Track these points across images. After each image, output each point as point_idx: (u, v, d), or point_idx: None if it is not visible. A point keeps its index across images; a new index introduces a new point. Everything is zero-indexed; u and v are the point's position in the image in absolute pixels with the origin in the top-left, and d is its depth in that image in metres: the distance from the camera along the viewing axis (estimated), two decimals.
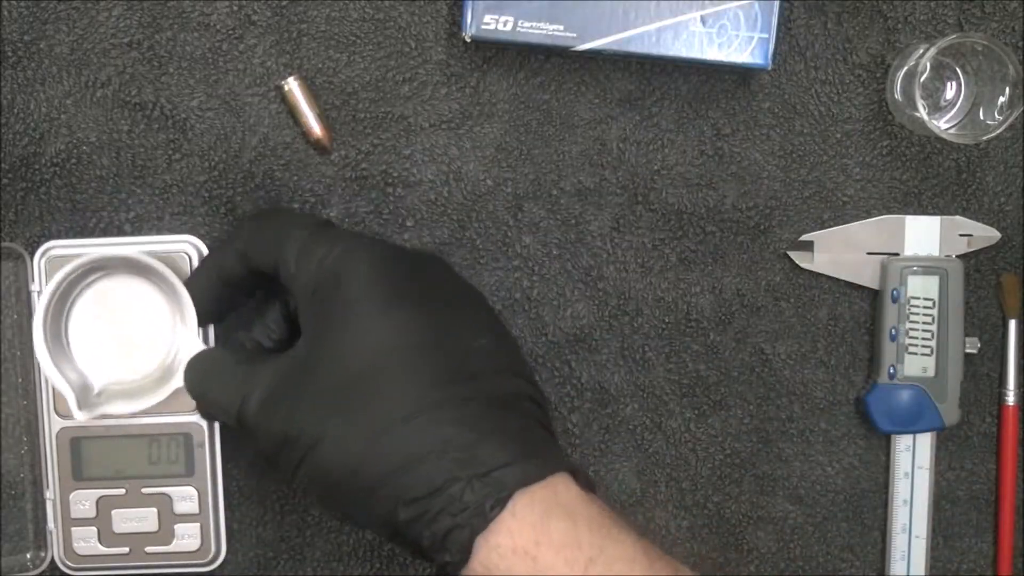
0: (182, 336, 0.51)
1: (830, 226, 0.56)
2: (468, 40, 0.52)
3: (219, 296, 0.51)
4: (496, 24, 0.51)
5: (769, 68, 0.52)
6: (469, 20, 0.52)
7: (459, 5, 0.54)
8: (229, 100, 0.54)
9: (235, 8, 0.54)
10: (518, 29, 0.52)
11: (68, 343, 0.52)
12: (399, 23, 0.54)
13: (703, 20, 0.52)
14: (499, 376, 0.46)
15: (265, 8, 0.54)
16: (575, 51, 0.52)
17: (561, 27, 0.51)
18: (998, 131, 0.52)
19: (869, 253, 0.56)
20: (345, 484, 0.44)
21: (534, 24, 0.52)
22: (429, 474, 0.43)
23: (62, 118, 0.54)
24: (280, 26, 0.54)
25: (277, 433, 0.45)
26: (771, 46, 0.52)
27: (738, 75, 0.55)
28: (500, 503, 0.43)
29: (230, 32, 0.54)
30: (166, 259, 0.52)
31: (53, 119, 0.54)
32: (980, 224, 0.56)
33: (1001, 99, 0.53)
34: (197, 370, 0.50)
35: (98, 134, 0.54)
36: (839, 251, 0.56)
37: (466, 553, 0.43)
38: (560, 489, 0.44)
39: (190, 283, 0.51)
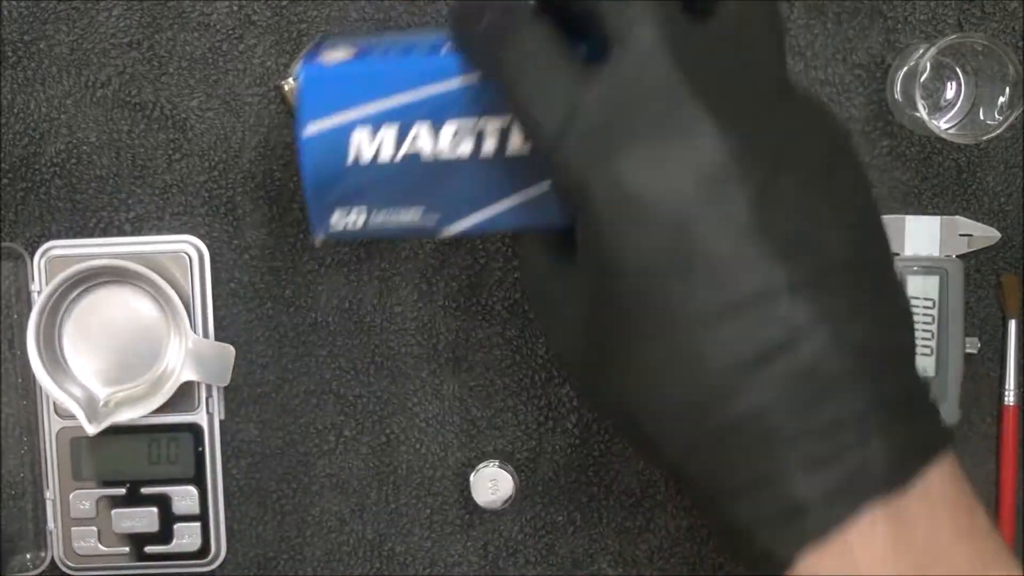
0: (176, 338, 0.52)
1: None
2: (319, 245, 0.49)
3: None
4: (346, 223, 0.42)
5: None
6: (315, 223, 0.42)
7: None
8: (229, 100, 0.54)
9: (235, 8, 0.54)
10: (372, 221, 0.42)
11: (64, 358, 0.52)
12: (399, 23, 0.54)
13: None
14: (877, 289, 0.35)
15: (265, 8, 0.54)
16: (440, 237, 0.48)
17: (421, 210, 0.42)
18: (998, 131, 0.52)
19: None
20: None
21: (390, 212, 0.42)
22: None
23: (62, 118, 0.54)
24: (280, 26, 0.54)
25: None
26: None
27: None
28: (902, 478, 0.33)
29: (230, 32, 0.54)
30: (166, 259, 0.52)
31: (53, 119, 0.54)
32: (980, 224, 0.56)
33: (1001, 99, 0.53)
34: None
35: (98, 134, 0.54)
36: None
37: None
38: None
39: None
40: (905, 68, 0.54)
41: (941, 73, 0.55)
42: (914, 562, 0.34)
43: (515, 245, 0.40)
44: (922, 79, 0.52)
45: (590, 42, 0.37)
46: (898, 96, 0.54)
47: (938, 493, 0.34)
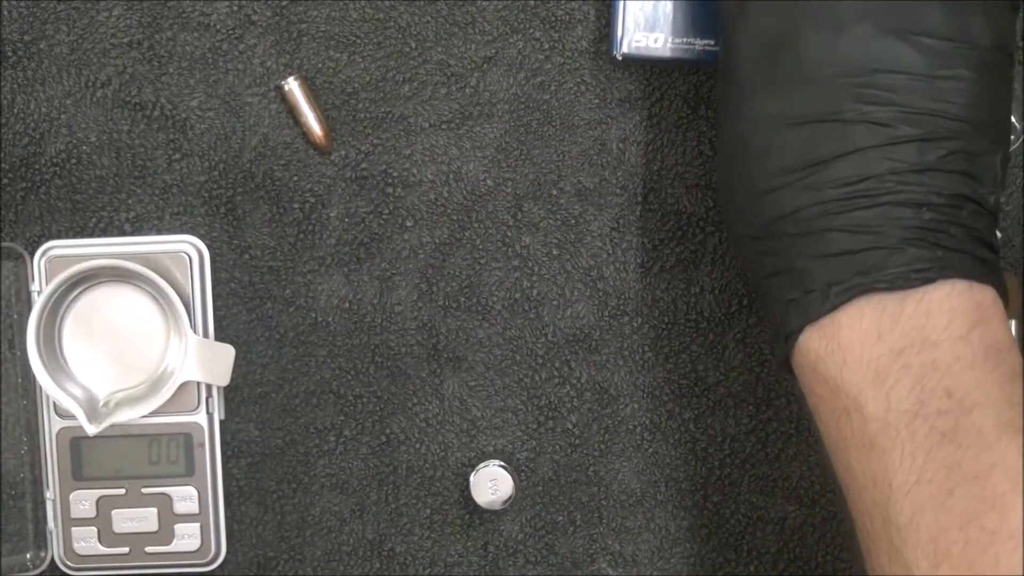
0: (176, 338, 0.52)
1: None
2: (619, 58, 0.52)
3: None
4: (647, 41, 0.52)
5: None
6: (619, 37, 0.52)
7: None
8: (229, 100, 0.54)
9: (235, 8, 0.54)
10: (669, 45, 0.52)
11: (64, 358, 0.52)
12: (399, 23, 0.54)
13: None
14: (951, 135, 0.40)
15: (265, 8, 0.54)
16: None
17: (712, 42, 0.52)
18: (1011, 149, 0.52)
19: None
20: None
21: (685, 40, 0.52)
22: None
23: (62, 118, 0.54)
24: (280, 26, 0.54)
25: None
26: None
27: None
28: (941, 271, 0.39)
29: (230, 32, 0.54)
30: (166, 259, 0.52)
31: (53, 119, 0.54)
32: None
33: (1012, 119, 0.52)
34: None
35: (98, 134, 0.54)
36: None
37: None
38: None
39: None
40: None
41: None
42: (892, 352, 0.39)
43: None
44: None
45: None
46: None
47: (940, 306, 0.39)
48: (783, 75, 0.41)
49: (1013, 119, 0.53)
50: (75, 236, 0.54)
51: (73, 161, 0.54)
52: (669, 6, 0.52)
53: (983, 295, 0.40)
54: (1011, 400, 0.39)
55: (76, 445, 0.53)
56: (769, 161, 0.41)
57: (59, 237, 0.54)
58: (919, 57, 0.40)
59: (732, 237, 0.43)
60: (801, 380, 0.42)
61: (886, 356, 0.39)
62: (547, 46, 0.55)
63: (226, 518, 0.55)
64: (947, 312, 0.39)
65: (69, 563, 0.54)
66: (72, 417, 0.51)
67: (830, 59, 0.40)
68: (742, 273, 0.47)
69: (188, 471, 0.53)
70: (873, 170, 0.39)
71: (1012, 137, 0.52)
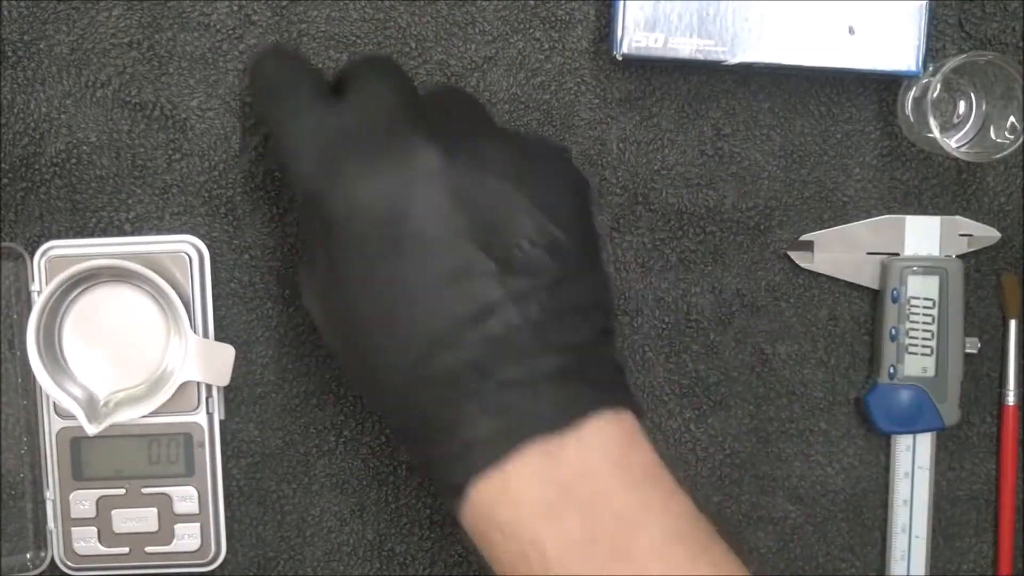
0: (176, 338, 0.52)
1: (830, 226, 0.56)
2: (619, 58, 0.53)
3: None
4: (647, 41, 0.52)
5: (920, 75, 0.53)
6: (620, 38, 0.52)
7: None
8: (229, 100, 0.54)
9: (235, 8, 0.54)
10: (669, 45, 0.52)
11: (64, 358, 0.52)
12: (399, 23, 0.54)
13: (851, 29, 0.52)
14: (548, 277, 0.42)
15: (265, 8, 0.54)
16: (727, 65, 0.53)
17: (712, 42, 0.52)
18: (1010, 150, 0.52)
19: (869, 253, 0.56)
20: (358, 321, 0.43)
21: (685, 40, 0.52)
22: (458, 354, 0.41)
23: (62, 118, 0.54)
24: (280, 26, 0.54)
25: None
26: (921, 51, 0.53)
27: (738, 75, 0.55)
28: (570, 420, 0.40)
29: (230, 32, 0.54)
30: (166, 259, 0.52)
31: (53, 119, 0.54)
32: (980, 224, 0.56)
33: (1012, 119, 0.53)
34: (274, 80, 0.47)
35: (98, 134, 0.54)
36: (839, 251, 0.56)
37: (476, 476, 0.41)
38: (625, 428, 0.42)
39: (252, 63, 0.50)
40: (915, 88, 0.54)
41: (951, 91, 0.55)
42: (560, 487, 0.40)
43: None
44: (934, 95, 0.52)
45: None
46: (908, 114, 0.54)
47: (595, 438, 0.41)
48: (415, 237, 0.42)
49: (1012, 119, 0.53)
50: (75, 236, 0.54)
51: (73, 161, 0.54)
52: (669, 6, 0.52)
53: (628, 419, 0.43)
54: (676, 512, 0.42)
55: (76, 445, 0.53)
56: (418, 328, 0.41)
57: (59, 237, 0.54)
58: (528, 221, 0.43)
59: (377, 391, 0.44)
60: (473, 530, 0.43)
61: (555, 493, 0.41)
62: (547, 46, 0.55)
63: (226, 518, 0.55)
64: (602, 443, 0.42)
65: (69, 563, 0.54)
66: (72, 417, 0.51)
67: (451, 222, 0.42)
68: (390, 431, 0.48)
69: (188, 471, 0.53)
70: (513, 322, 0.41)
71: (1012, 137, 0.52)
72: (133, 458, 0.53)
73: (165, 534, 0.54)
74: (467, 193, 0.42)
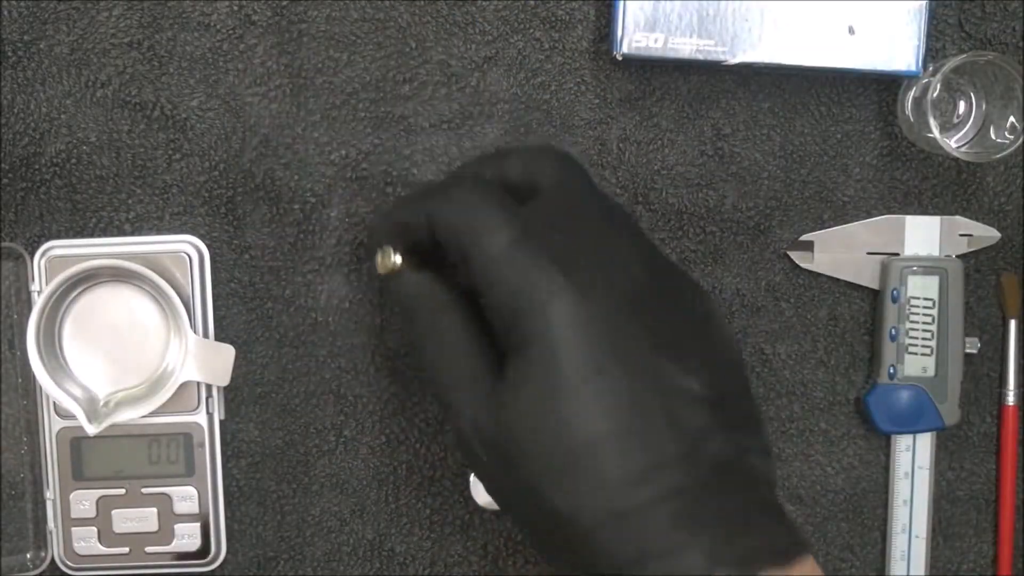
0: (176, 338, 0.52)
1: (830, 226, 0.56)
2: (619, 58, 0.53)
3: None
4: (647, 41, 0.52)
5: (920, 75, 0.53)
6: (620, 38, 0.52)
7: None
8: (229, 100, 0.54)
9: (235, 8, 0.54)
10: (669, 45, 0.52)
11: (64, 357, 0.52)
12: (399, 23, 0.54)
13: (851, 29, 0.52)
14: (716, 434, 0.40)
15: (265, 8, 0.54)
16: (727, 65, 0.53)
17: (712, 42, 0.52)
18: (1010, 150, 0.52)
19: (869, 253, 0.56)
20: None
21: (685, 40, 0.52)
22: None
23: (62, 118, 0.54)
24: (280, 26, 0.54)
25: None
26: (921, 51, 0.53)
27: (738, 75, 0.55)
28: None
29: (230, 32, 0.54)
30: (166, 259, 0.52)
31: (53, 119, 0.54)
32: (980, 224, 0.56)
33: (1012, 119, 0.53)
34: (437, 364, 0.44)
35: (98, 134, 0.54)
36: (839, 251, 0.56)
37: None
38: None
39: (373, 225, 0.48)
40: (915, 88, 0.54)
41: (951, 91, 0.55)
42: None
43: (433, 346, 0.44)
44: (934, 95, 0.52)
45: None
46: (909, 114, 0.54)
47: (811, 572, 0.40)
48: (633, 357, 0.40)
49: (1012, 119, 0.53)
50: (75, 236, 0.54)
51: (73, 161, 0.54)
52: (669, 6, 0.52)
53: (813, 564, 0.41)
54: None
55: (76, 445, 0.53)
56: (641, 448, 0.40)
57: (59, 237, 0.54)
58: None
59: (574, 538, 0.40)
60: None
61: None
62: (547, 46, 0.55)
63: (226, 518, 0.55)
64: None
65: (69, 563, 0.54)
66: (72, 417, 0.51)
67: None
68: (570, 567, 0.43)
69: (188, 471, 0.53)
70: (730, 451, 0.40)
71: (1012, 137, 0.52)
72: (133, 458, 0.53)
73: (165, 534, 0.54)
74: (674, 312, 0.42)
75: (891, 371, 0.56)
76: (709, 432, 0.40)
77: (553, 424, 0.40)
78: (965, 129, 0.56)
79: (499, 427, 0.41)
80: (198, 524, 0.54)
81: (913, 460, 0.57)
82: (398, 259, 0.46)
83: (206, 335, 0.53)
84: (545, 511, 0.40)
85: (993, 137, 0.54)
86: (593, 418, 0.40)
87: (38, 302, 0.51)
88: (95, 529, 0.54)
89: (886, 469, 0.58)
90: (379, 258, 0.46)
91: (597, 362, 0.40)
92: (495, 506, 0.54)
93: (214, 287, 0.54)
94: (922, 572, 0.57)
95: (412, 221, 0.45)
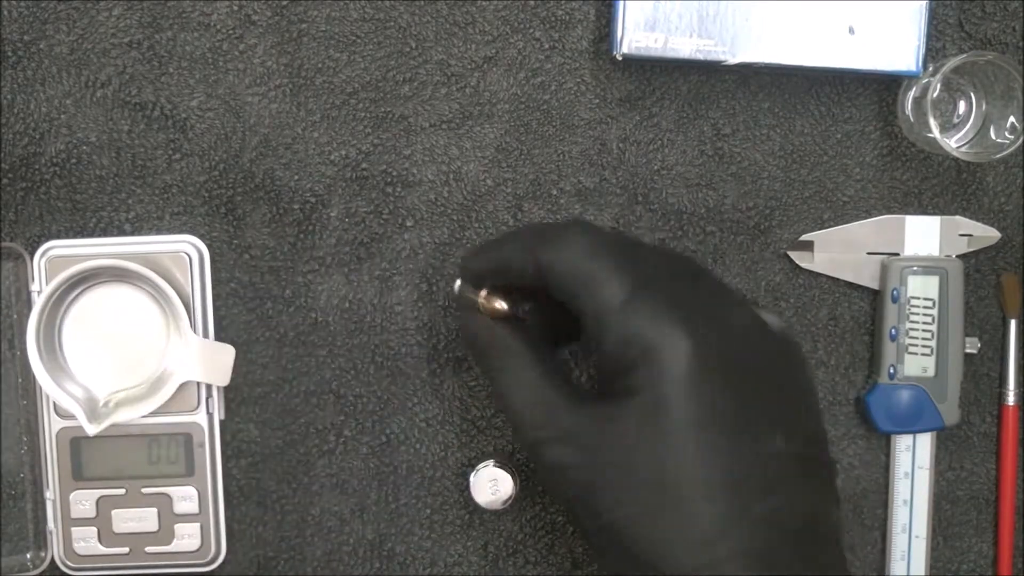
0: (176, 338, 0.52)
1: (830, 226, 0.56)
2: (619, 58, 0.53)
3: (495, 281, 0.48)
4: (647, 41, 0.52)
5: (920, 75, 0.53)
6: (620, 38, 0.52)
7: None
8: (229, 100, 0.54)
9: (235, 8, 0.54)
10: (669, 45, 0.52)
11: (64, 357, 0.52)
12: (399, 23, 0.54)
13: (851, 29, 0.52)
14: (798, 494, 0.43)
15: (265, 8, 0.54)
16: (727, 65, 0.53)
17: (712, 42, 0.52)
18: (1010, 150, 0.52)
19: (869, 253, 0.56)
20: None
21: (685, 40, 0.52)
22: None
23: (62, 118, 0.54)
24: (280, 26, 0.54)
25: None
26: (921, 51, 0.53)
27: (738, 75, 0.55)
28: None
29: (230, 32, 0.54)
30: (166, 259, 0.52)
31: (53, 119, 0.54)
32: (980, 224, 0.56)
33: (1012, 119, 0.53)
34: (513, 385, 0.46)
35: (98, 134, 0.54)
36: (839, 251, 0.56)
37: None
38: None
39: (471, 258, 0.49)
40: (915, 88, 0.54)
41: (951, 91, 0.55)
42: None
43: (506, 377, 0.47)
44: (934, 95, 0.52)
45: None
46: (909, 114, 0.54)
47: None
48: (737, 412, 0.42)
49: (1012, 119, 0.53)
50: (75, 236, 0.54)
51: (73, 161, 0.54)
52: (669, 6, 0.52)
53: None
54: None
55: (76, 445, 0.53)
56: (733, 500, 0.41)
57: (59, 237, 0.54)
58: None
59: (665, 562, 0.42)
60: None
61: None
62: (547, 46, 0.55)
63: (226, 518, 0.55)
64: None
65: (69, 563, 0.54)
66: (72, 417, 0.51)
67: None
68: None
69: (188, 471, 0.53)
70: (815, 509, 0.43)
71: (1012, 137, 0.53)
72: (133, 458, 0.53)
73: (165, 534, 0.54)
74: (778, 370, 0.44)
75: (891, 371, 0.56)
76: (794, 492, 0.42)
77: (651, 469, 0.42)
78: (965, 129, 0.56)
79: (594, 465, 0.43)
80: (198, 524, 0.54)
81: (913, 460, 0.57)
82: (504, 305, 0.48)
83: (206, 335, 0.53)
84: (629, 553, 0.42)
85: (993, 137, 0.54)
86: (689, 469, 0.41)
87: (38, 302, 0.51)
88: (95, 529, 0.54)
89: (886, 469, 0.58)
90: (482, 298, 0.48)
91: (702, 415, 0.41)
92: (495, 506, 0.54)
93: (214, 287, 0.54)
94: (922, 572, 0.57)
95: (518, 262, 0.46)
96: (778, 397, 0.44)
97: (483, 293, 0.48)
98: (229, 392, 0.55)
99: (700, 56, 0.52)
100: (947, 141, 0.53)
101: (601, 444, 0.43)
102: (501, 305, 0.48)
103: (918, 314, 0.56)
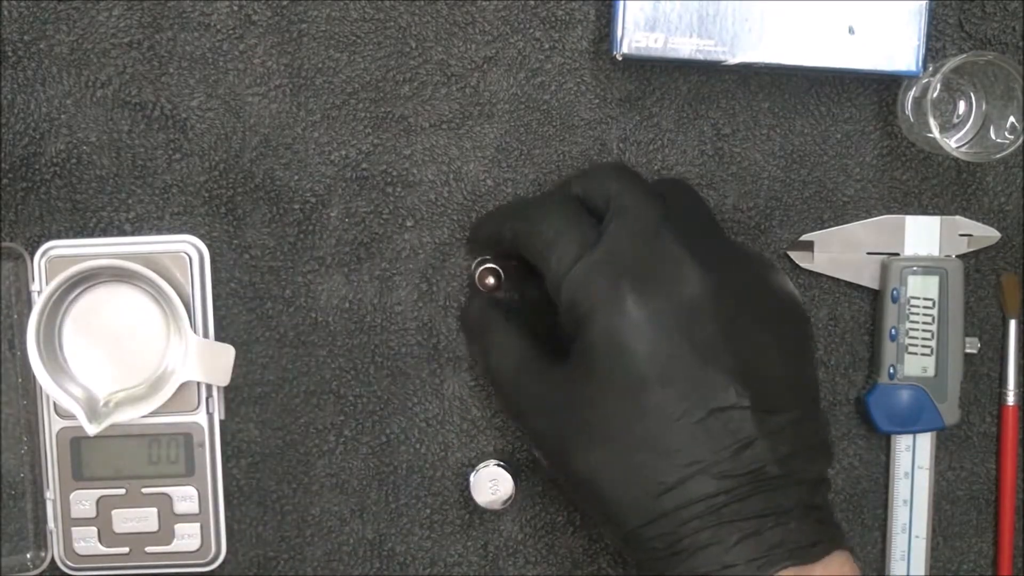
0: (176, 338, 0.52)
1: (830, 226, 0.56)
2: (619, 58, 0.53)
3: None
4: (647, 41, 0.52)
5: (920, 75, 0.53)
6: (620, 38, 0.52)
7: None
8: (229, 100, 0.54)
9: (235, 8, 0.54)
10: (669, 45, 0.52)
11: (64, 357, 0.52)
12: (399, 23, 0.54)
13: (851, 29, 0.52)
14: (758, 442, 0.45)
15: (265, 8, 0.54)
16: (727, 65, 0.53)
17: (712, 42, 0.52)
18: (1010, 150, 0.52)
19: (869, 253, 0.56)
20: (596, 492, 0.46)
21: (685, 40, 0.52)
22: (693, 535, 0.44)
23: (62, 118, 0.54)
24: (280, 26, 0.54)
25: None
26: (921, 51, 0.53)
27: (738, 75, 0.55)
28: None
29: (230, 32, 0.54)
30: (166, 259, 0.52)
31: (53, 119, 0.54)
32: (980, 224, 0.56)
33: (1012, 119, 0.53)
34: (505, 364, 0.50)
35: (98, 134, 0.54)
36: (839, 251, 0.56)
37: None
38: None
39: (470, 236, 0.54)
40: (915, 88, 0.54)
41: (951, 91, 0.55)
42: None
43: (496, 355, 0.51)
44: (933, 95, 0.52)
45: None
46: (909, 114, 0.54)
47: (837, 570, 0.45)
48: (679, 370, 0.44)
49: (1012, 119, 0.53)
50: (75, 236, 0.54)
51: (73, 161, 0.54)
52: (669, 6, 0.52)
53: (851, 560, 0.46)
54: None
55: (76, 445, 0.53)
56: (679, 456, 0.44)
57: (59, 237, 0.54)
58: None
59: (619, 528, 0.46)
60: None
61: None
62: (547, 46, 0.55)
63: (226, 518, 0.55)
64: None
65: (69, 563, 0.54)
66: (72, 417, 0.51)
67: (715, 354, 0.45)
68: (631, 562, 0.49)
69: (188, 471, 0.53)
70: (766, 456, 0.44)
71: (1012, 137, 0.52)
72: (133, 458, 0.53)
73: (165, 534, 0.54)
74: (731, 325, 0.45)
75: (891, 371, 0.56)
76: (752, 440, 0.44)
77: (602, 427, 0.45)
78: (965, 129, 0.56)
79: (559, 426, 0.47)
80: (198, 524, 0.54)
81: (913, 460, 0.57)
82: (492, 280, 0.54)
83: (206, 335, 0.53)
84: (597, 507, 0.46)
85: (993, 137, 0.54)
86: (638, 427, 0.44)
87: (38, 302, 0.51)
88: (95, 529, 0.53)
89: (886, 469, 0.58)
90: (475, 270, 0.54)
91: (647, 374, 0.44)
92: (495, 506, 0.54)
93: (214, 287, 0.54)
94: (922, 572, 0.57)
95: (499, 234, 0.51)
96: (746, 357, 0.45)
97: (475, 265, 0.53)
98: (229, 392, 0.55)
99: (700, 56, 0.52)
100: (947, 141, 0.53)
101: (561, 405, 0.47)
102: (490, 280, 0.53)
103: (918, 314, 0.56)
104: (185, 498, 0.54)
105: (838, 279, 0.57)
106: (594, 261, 0.46)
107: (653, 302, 0.45)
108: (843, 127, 0.56)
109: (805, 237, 0.56)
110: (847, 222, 0.56)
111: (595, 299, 0.45)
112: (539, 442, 0.48)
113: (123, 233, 0.54)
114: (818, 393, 0.49)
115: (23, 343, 0.52)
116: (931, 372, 0.56)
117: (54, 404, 0.53)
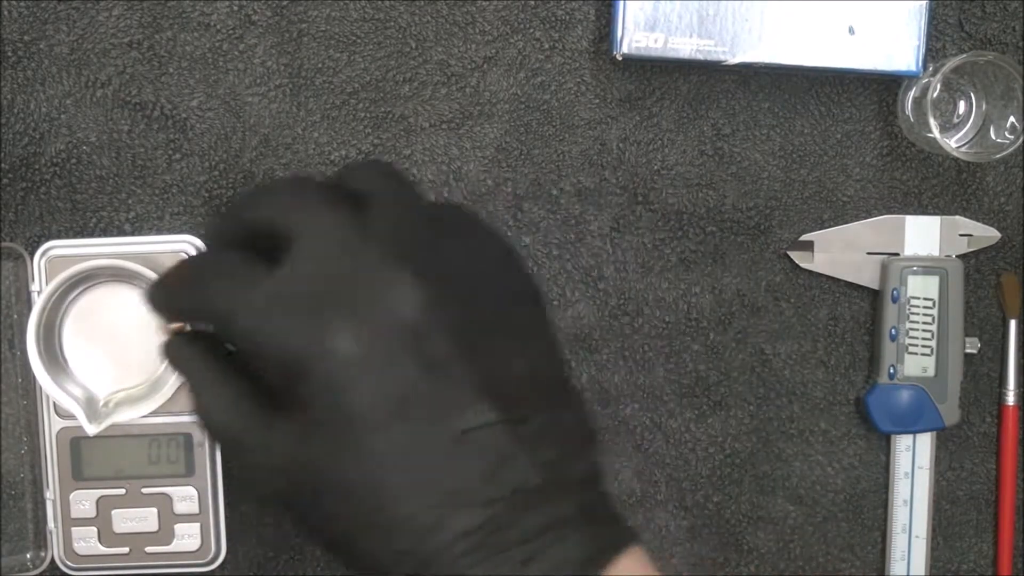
0: None
1: (830, 226, 0.56)
2: (619, 58, 0.53)
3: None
4: (647, 41, 0.52)
5: (920, 75, 0.53)
6: (620, 38, 0.52)
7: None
8: (229, 100, 0.54)
9: (235, 8, 0.54)
10: (669, 45, 0.52)
11: (64, 357, 0.52)
12: (399, 23, 0.54)
13: (851, 29, 0.52)
14: (518, 456, 0.39)
15: (265, 8, 0.54)
16: (727, 65, 0.53)
17: (712, 42, 0.52)
18: (1010, 150, 0.52)
19: (869, 253, 0.56)
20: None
21: (685, 40, 0.52)
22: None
23: (62, 118, 0.54)
24: (280, 26, 0.54)
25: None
26: (921, 51, 0.53)
27: (738, 75, 0.55)
28: None
29: (230, 32, 0.54)
30: (166, 259, 0.52)
31: (53, 119, 0.54)
32: (980, 224, 0.56)
33: (1012, 119, 0.53)
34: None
35: (98, 134, 0.54)
36: (839, 251, 0.56)
37: None
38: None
39: (150, 296, 0.45)
40: (915, 88, 0.54)
41: (951, 91, 0.55)
42: None
43: (206, 401, 0.42)
44: (934, 95, 0.52)
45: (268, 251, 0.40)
46: (909, 114, 0.54)
47: (628, 571, 0.40)
48: (415, 399, 0.38)
49: (1012, 119, 0.53)
50: (75, 236, 0.54)
51: (73, 161, 0.54)
52: (669, 6, 0.52)
53: (641, 553, 0.41)
54: None
55: (76, 445, 0.53)
56: (431, 492, 0.39)
57: (59, 237, 0.54)
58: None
59: (386, 562, 0.40)
60: None
61: None
62: (547, 46, 0.55)
63: (226, 518, 0.55)
64: None
65: (69, 563, 0.54)
66: (72, 417, 0.51)
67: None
68: None
69: (188, 471, 0.53)
70: (528, 469, 0.39)
71: (1012, 137, 0.53)
72: (133, 458, 0.53)
73: (165, 534, 0.54)
74: (463, 334, 0.39)
75: (891, 371, 0.56)
76: (509, 456, 0.39)
77: (342, 485, 0.39)
78: (965, 129, 0.56)
79: (298, 486, 0.41)
80: (198, 524, 0.54)
81: (913, 460, 0.57)
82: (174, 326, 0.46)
83: None
84: (354, 558, 0.40)
85: (993, 137, 0.54)
86: (381, 473, 0.39)
87: (38, 302, 0.51)
88: (95, 529, 0.53)
89: (886, 469, 0.58)
90: (162, 330, 0.46)
91: (378, 414, 0.39)
92: None
93: None
94: (922, 572, 0.57)
95: (178, 303, 0.44)
96: (482, 367, 0.40)
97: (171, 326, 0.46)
98: None
99: (700, 56, 0.52)
100: (947, 141, 0.53)
101: (292, 463, 0.40)
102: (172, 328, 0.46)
103: (918, 314, 0.56)
104: (185, 498, 0.54)
105: (838, 279, 0.57)
106: (286, 297, 0.39)
107: (364, 331, 0.38)
108: (843, 127, 0.56)
109: (805, 237, 0.56)
110: (847, 222, 0.56)
111: (303, 343, 0.39)
112: (283, 507, 0.42)
113: (123, 233, 0.54)
114: (568, 377, 0.44)
115: (23, 343, 0.52)
116: (931, 372, 0.56)
117: (54, 404, 0.53)
